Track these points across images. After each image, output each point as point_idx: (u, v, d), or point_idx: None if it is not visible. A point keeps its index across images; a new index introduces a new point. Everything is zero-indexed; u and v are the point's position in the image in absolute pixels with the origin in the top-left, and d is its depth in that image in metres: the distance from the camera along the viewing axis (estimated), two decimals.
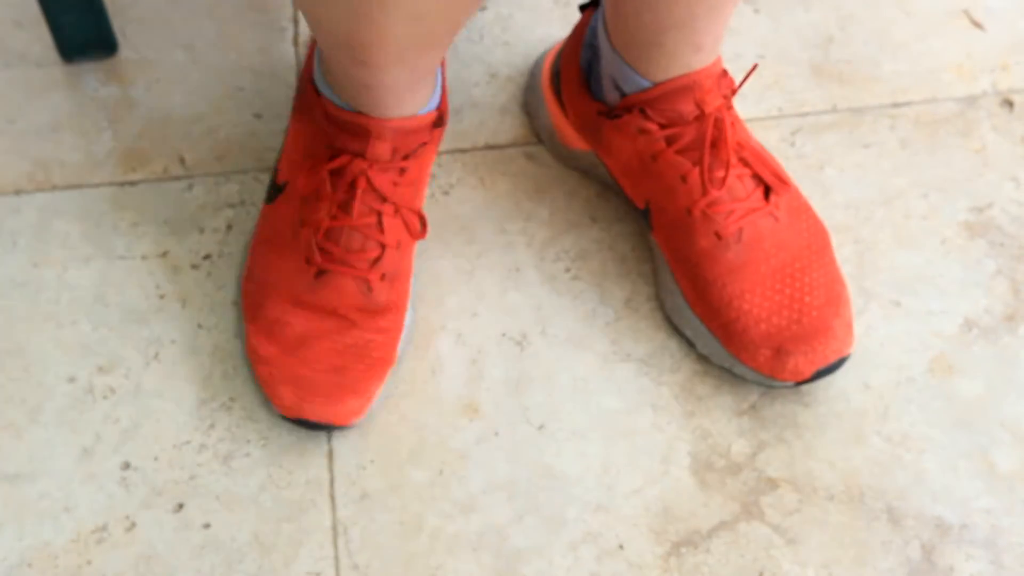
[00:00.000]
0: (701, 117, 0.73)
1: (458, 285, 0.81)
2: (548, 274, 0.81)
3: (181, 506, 0.73)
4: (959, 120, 0.87)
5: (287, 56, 0.90)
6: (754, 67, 0.74)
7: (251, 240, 0.78)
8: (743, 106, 0.88)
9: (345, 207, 0.72)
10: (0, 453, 0.75)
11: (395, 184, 0.72)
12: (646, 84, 0.74)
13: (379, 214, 0.73)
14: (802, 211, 0.77)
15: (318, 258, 0.73)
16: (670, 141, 0.74)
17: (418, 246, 0.81)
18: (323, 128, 0.72)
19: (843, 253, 0.81)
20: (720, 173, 0.74)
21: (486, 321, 0.79)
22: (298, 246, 0.74)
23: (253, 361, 0.74)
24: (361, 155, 0.71)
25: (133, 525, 0.73)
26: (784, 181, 0.75)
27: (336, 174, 0.72)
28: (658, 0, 0.68)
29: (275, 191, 0.77)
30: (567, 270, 0.81)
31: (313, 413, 0.72)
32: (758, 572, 0.72)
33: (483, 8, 0.93)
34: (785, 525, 0.73)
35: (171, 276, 0.81)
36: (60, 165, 0.86)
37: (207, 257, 0.82)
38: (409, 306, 0.77)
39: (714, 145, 0.73)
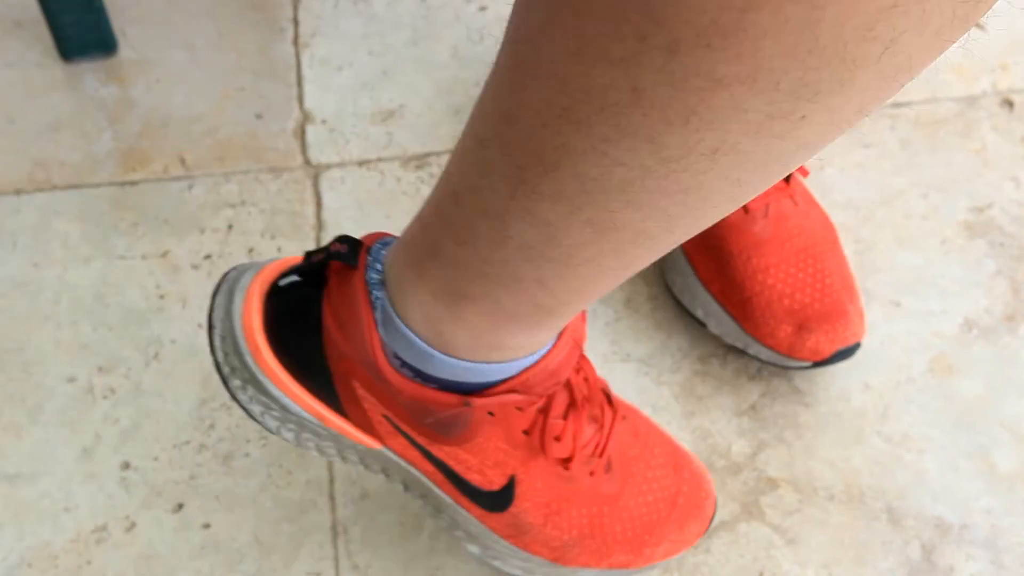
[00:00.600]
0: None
1: None
2: None
3: (181, 506, 0.74)
4: (959, 120, 0.87)
5: (287, 56, 0.90)
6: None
7: None
8: None
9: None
10: (0, 453, 0.75)
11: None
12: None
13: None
14: (812, 203, 0.78)
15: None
16: None
17: None
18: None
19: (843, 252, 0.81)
20: None
21: None
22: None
23: None
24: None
25: (133, 525, 0.73)
26: (800, 168, 0.75)
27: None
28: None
29: None
30: None
31: None
32: (758, 572, 0.72)
33: (483, 8, 0.93)
34: (785, 525, 0.73)
35: (171, 276, 0.81)
36: (60, 165, 0.86)
37: (207, 257, 0.82)
38: None
39: None
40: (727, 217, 0.62)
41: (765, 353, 0.75)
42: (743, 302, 0.75)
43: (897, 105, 0.88)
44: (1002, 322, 0.79)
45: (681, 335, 0.79)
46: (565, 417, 0.60)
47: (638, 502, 0.65)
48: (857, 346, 0.74)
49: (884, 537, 0.72)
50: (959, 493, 0.74)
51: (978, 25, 0.93)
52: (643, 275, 0.81)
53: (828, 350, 0.73)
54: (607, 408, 0.63)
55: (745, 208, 0.74)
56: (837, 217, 0.83)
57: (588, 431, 0.62)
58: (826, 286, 0.75)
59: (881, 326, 0.79)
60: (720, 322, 0.76)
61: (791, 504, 0.73)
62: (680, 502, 0.67)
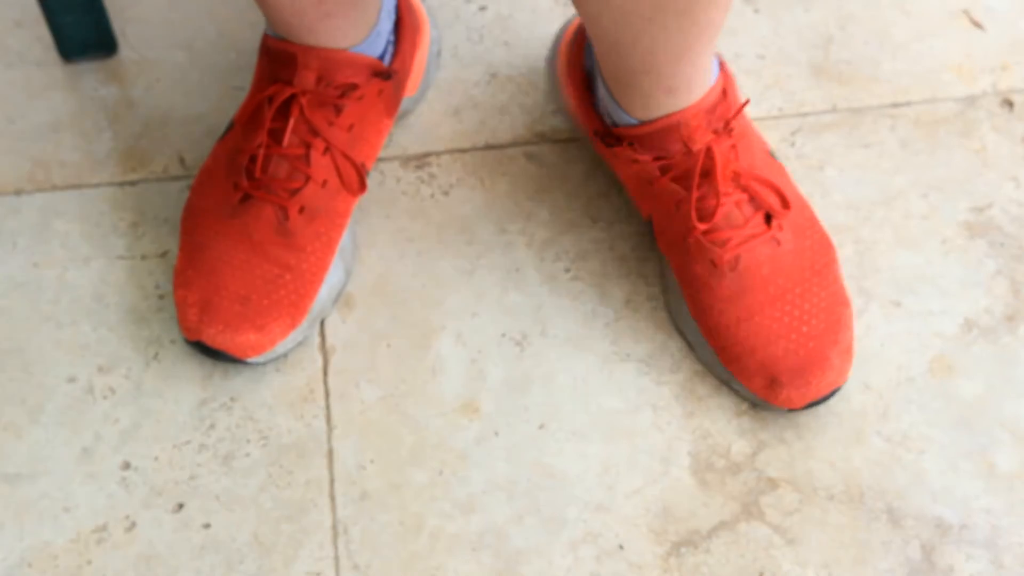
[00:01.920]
0: (688, 153, 0.73)
1: (458, 285, 0.81)
2: (548, 274, 0.81)
3: (181, 506, 0.73)
4: (959, 120, 0.87)
5: None
6: (746, 102, 0.74)
7: (196, 175, 0.81)
8: None
9: (277, 136, 0.74)
10: (0, 453, 0.75)
11: (330, 123, 0.74)
12: (632, 121, 0.74)
13: (308, 147, 0.74)
14: (807, 228, 0.76)
15: (244, 183, 0.75)
16: (663, 170, 0.74)
17: (418, 246, 0.81)
18: (266, 64, 0.75)
19: (843, 253, 0.81)
20: (712, 202, 0.73)
21: (486, 321, 0.79)
22: (231, 173, 0.76)
23: (174, 285, 0.76)
24: (289, 82, 0.74)
25: (133, 525, 0.73)
26: (786, 204, 0.75)
27: (270, 103, 0.74)
28: (620, 45, 0.68)
29: (228, 128, 0.79)
30: (567, 270, 0.81)
31: (210, 338, 0.73)
32: (758, 572, 0.71)
33: (483, 8, 0.93)
34: (785, 525, 0.73)
35: (171, 276, 0.81)
36: (60, 165, 0.86)
37: None
38: (340, 268, 0.78)
39: (706, 175, 0.73)
40: (696, 270, 0.74)
41: (744, 392, 0.75)
42: (720, 348, 0.75)
43: (897, 105, 0.88)
44: (1002, 322, 0.79)
45: (681, 335, 0.79)
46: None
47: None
48: (835, 391, 0.74)
49: (884, 537, 0.72)
50: (959, 493, 0.74)
51: (978, 25, 0.93)
52: (643, 275, 0.81)
53: (800, 402, 0.73)
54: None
55: (713, 263, 0.74)
56: (837, 217, 0.83)
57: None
58: (803, 335, 0.73)
59: (881, 326, 0.79)
60: (705, 354, 0.76)
61: (791, 504, 0.73)
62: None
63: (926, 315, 0.79)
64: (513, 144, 0.87)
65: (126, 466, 0.75)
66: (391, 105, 0.78)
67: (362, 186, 0.76)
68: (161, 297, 0.80)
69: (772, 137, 0.87)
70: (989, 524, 0.73)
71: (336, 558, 0.72)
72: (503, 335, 0.79)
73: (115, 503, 0.74)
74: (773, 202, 0.74)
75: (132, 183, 0.85)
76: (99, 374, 0.78)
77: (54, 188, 0.85)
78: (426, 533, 0.73)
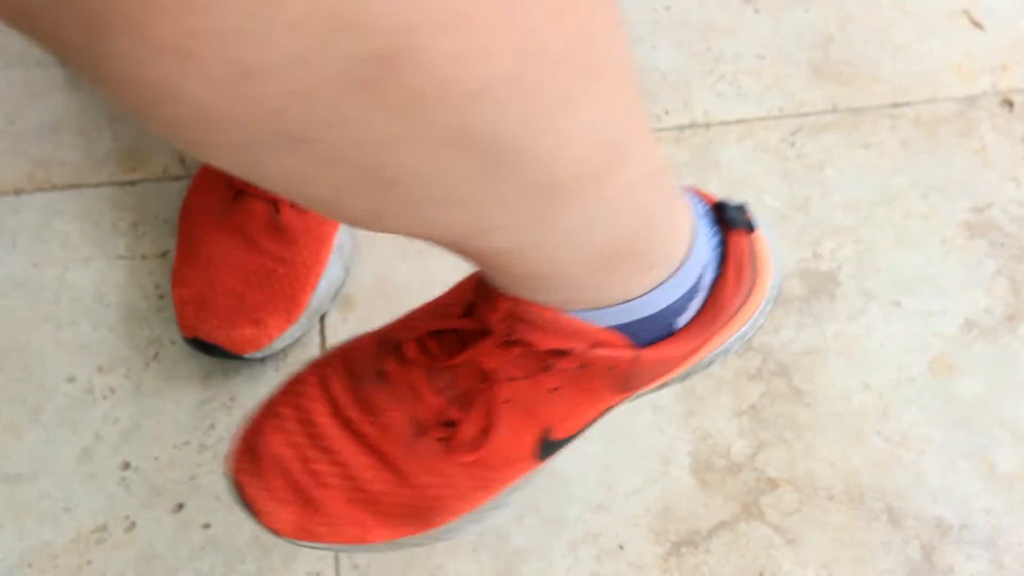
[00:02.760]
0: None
1: None
2: None
3: (181, 506, 0.73)
4: (959, 120, 0.87)
5: None
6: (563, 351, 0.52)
7: (194, 176, 0.81)
8: (743, 106, 0.88)
9: None
10: (0, 453, 0.75)
11: None
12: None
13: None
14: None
15: (236, 180, 0.75)
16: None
17: (418, 246, 0.81)
18: None
19: (843, 253, 0.81)
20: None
21: None
22: (225, 173, 0.75)
23: (172, 284, 0.76)
24: None
25: (133, 525, 0.73)
26: (485, 436, 0.53)
27: None
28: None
29: None
30: None
31: (206, 334, 0.74)
32: (758, 572, 0.72)
33: None
34: (785, 525, 0.73)
35: (171, 276, 0.81)
36: (60, 165, 0.86)
37: None
38: (339, 265, 0.78)
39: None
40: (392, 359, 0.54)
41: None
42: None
43: (897, 105, 0.88)
44: (1002, 322, 0.79)
45: None
46: None
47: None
48: (249, 509, 0.54)
49: (884, 537, 0.72)
50: (959, 493, 0.74)
51: (978, 25, 0.93)
52: None
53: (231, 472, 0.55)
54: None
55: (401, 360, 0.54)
56: (837, 217, 0.83)
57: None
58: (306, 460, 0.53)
59: (881, 326, 0.79)
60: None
61: (791, 504, 0.73)
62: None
63: (926, 315, 0.79)
64: None
65: (126, 466, 0.75)
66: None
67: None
68: (161, 297, 0.80)
69: (772, 137, 0.87)
70: (989, 524, 0.73)
71: (336, 558, 0.72)
72: None
73: (115, 503, 0.74)
74: (471, 424, 0.53)
75: (132, 183, 0.85)
76: (99, 374, 0.78)
77: (54, 188, 0.85)
78: None
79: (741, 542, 0.72)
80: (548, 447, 0.56)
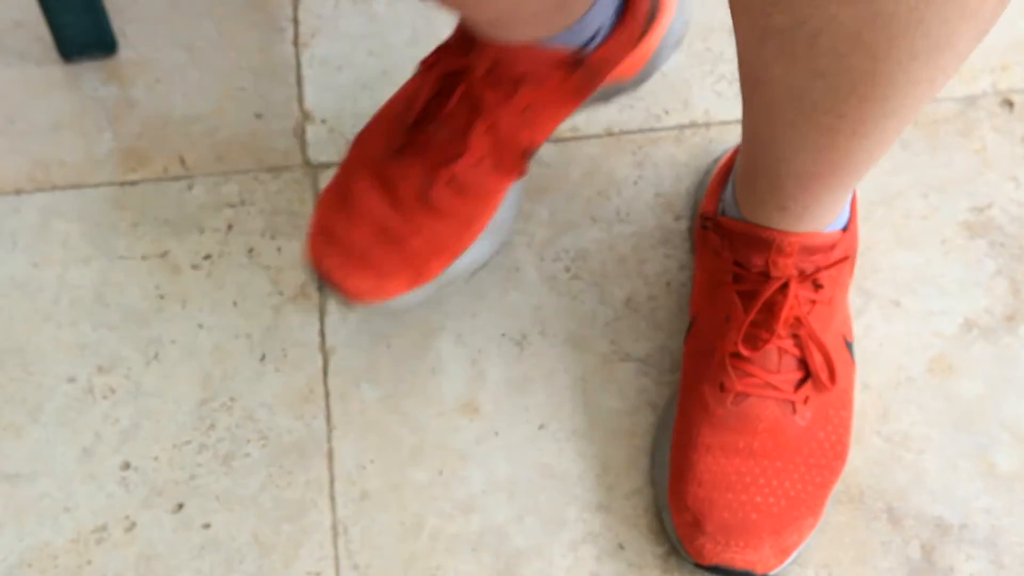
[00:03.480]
0: (767, 276, 0.68)
1: (458, 285, 0.81)
2: (548, 274, 0.81)
3: (181, 506, 0.73)
4: (959, 120, 0.87)
5: (287, 56, 0.90)
6: (843, 259, 0.69)
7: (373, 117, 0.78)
8: None
9: (442, 99, 0.72)
10: (0, 453, 0.75)
11: (500, 102, 0.70)
12: (737, 215, 0.70)
13: (472, 120, 0.70)
14: (833, 424, 0.71)
15: (400, 137, 0.72)
16: (736, 279, 0.69)
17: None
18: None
19: None
20: (763, 335, 0.68)
21: (486, 321, 0.79)
22: (400, 118, 0.73)
23: (314, 210, 0.74)
24: (463, 59, 0.70)
25: (133, 525, 0.73)
26: (828, 382, 0.70)
27: (446, 78, 0.72)
28: (757, 139, 0.63)
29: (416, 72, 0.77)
30: (567, 270, 0.81)
31: (327, 271, 0.71)
32: None
33: None
34: None
35: (171, 276, 0.81)
36: (60, 165, 0.86)
37: (207, 257, 0.82)
38: (487, 244, 0.75)
39: (770, 308, 0.68)
40: (703, 385, 0.70)
41: (668, 527, 0.71)
42: (675, 470, 0.71)
43: None
44: (1002, 322, 0.79)
45: (681, 335, 0.79)
46: None
47: None
48: (750, 574, 0.68)
49: (884, 537, 0.72)
50: (959, 493, 0.74)
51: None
52: (643, 275, 0.81)
53: (709, 560, 0.68)
54: None
55: (722, 386, 0.69)
56: None
57: None
58: (754, 504, 0.68)
59: (881, 326, 0.79)
60: (659, 473, 0.73)
61: None
62: None
63: (926, 315, 0.79)
64: None
65: (126, 466, 0.75)
66: (580, 91, 0.73)
67: (520, 171, 0.73)
68: (161, 297, 0.80)
69: None
70: (989, 524, 0.73)
71: (336, 558, 0.72)
72: (503, 335, 0.79)
73: (115, 503, 0.74)
74: (818, 370, 0.69)
75: (132, 183, 0.85)
76: (99, 374, 0.78)
77: (54, 188, 0.85)
78: (426, 533, 0.73)
79: None
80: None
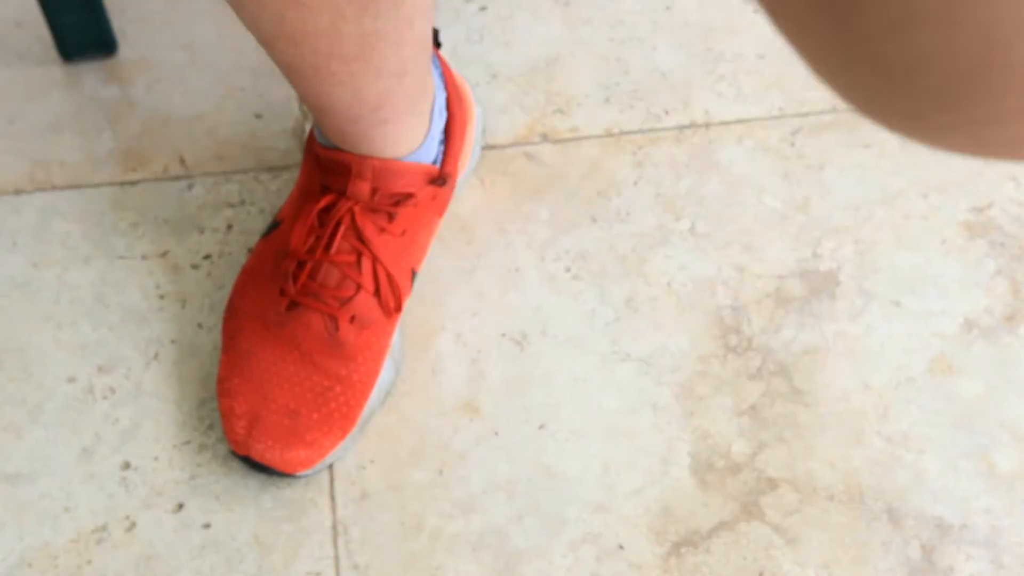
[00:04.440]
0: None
1: (458, 285, 0.81)
2: (548, 274, 0.81)
3: (181, 506, 0.74)
4: None
5: None
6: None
7: (239, 273, 0.78)
8: (743, 106, 0.88)
9: (326, 243, 0.72)
10: (0, 453, 0.75)
11: (381, 230, 0.72)
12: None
13: (359, 255, 0.72)
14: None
15: (291, 289, 0.72)
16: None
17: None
18: (315, 169, 0.73)
19: (843, 253, 0.81)
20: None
21: (486, 321, 0.79)
22: (277, 277, 0.74)
23: (219, 393, 0.74)
24: (342, 192, 0.71)
25: (133, 525, 0.73)
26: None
27: (324, 212, 0.72)
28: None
29: (272, 227, 0.77)
30: (567, 270, 0.81)
31: (258, 453, 0.71)
32: (758, 572, 0.72)
33: (483, 8, 0.93)
34: (785, 525, 0.73)
35: (171, 276, 0.81)
36: (60, 165, 0.86)
37: (207, 257, 0.82)
38: (391, 368, 0.76)
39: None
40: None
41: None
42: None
43: None
44: (1002, 322, 0.79)
45: (681, 335, 0.79)
46: None
47: None
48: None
49: (884, 537, 0.72)
50: (959, 493, 0.74)
51: None
52: (643, 275, 0.81)
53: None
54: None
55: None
56: (837, 217, 0.83)
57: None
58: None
59: (881, 326, 0.79)
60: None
61: (791, 504, 0.73)
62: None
63: (926, 315, 0.79)
64: (513, 144, 0.87)
65: (126, 466, 0.75)
66: (443, 206, 0.76)
67: (397, 308, 0.74)
68: (161, 297, 0.80)
69: (772, 137, 0.87)
70: (989, 524, 0.73)
71: (336, 558, 0.72)
72: (503, 335, 0.79)
73: (115, 503, 0.74)
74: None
75: (132, 183, 0.85)
76: (99, 374, 0.78)
77: (54, 188, 0.85)
78: (426, 533, 0.73)
79: (741, 542, 0.72)
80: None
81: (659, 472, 0.74)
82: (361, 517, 0.73)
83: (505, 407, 0.77)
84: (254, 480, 0.74)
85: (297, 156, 0.86)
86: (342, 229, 0.72)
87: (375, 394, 0.74)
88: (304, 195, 0.75)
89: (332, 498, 0.74)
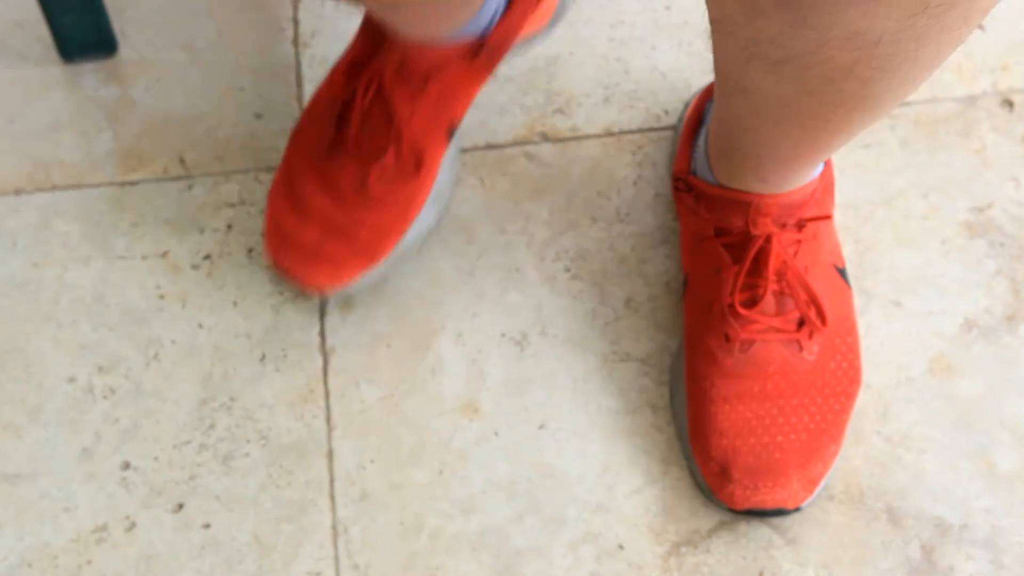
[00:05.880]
0: (748, 233, 0.71)
1: (458, 285, 0.81)
2: (548, 274, 0.81)
3: (181, 506, 0.74)
4: (959, 120, 0.87)
5: (287, 56, 0.90)
6: (827, 216, 0.73)
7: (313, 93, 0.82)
8: None
9: (349, 104, 0.76)
10: (0, 453, 0.75)
11: (413, 97, 0.75)
12: (711, 179, 0.72)
13: (391, 116, 0.75)
14: (842, 353, 0.73)
15: (332, 132, 0.76)
16: (718, 232, 0.72)
17: (418, 247, 0.81)
18: (363, 40, 0.77)
19: (843, 253, 0.81)
20: (757, 286, 0.71)
21: (486, 321, 0.79)
22: (326, 116, 0.77)
23: (269, 196, 0.79)
24: (373, 65, 0.75)
25: (133, 525, 0.73)
26: (823, 319, 0.71)
27: (354, 67, 0.76)
28: (736, 126, 0.65)
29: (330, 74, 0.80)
30: (567, 270, 0.81)
31: (285, 269, 0.76)
32: (758, 572, 0.72)
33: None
34: (785, 525, 0.73)
35: (171, 276, 0.81)
36: (60, 165, 0.86)
37: (207, 257, 0.82)
38: (432, 212, 0.79)
39: (757, 260, 0.71)
40: (708, 339, 0.72)
41: (696, 474, 0.73)
42: (692, 420, 0.73)
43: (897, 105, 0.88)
44: (1002, 322, 0.79)
45: (681, 335, 0.79)
46: None
47: None
48: (781, 511, 0.71)
49: (884, 537, 0.72)
50: (959, 493, 0.74)
51: (979, 26, 0.92)
52: (643, 275, 0.81)
53: (741, 504, 0.70)
54: None
55: (727, 336, 0.71)
56: (837, 217, 0.83)
57: None
58: (775, 443, 0.70)
59: (881, 326, 0.79)
60: (680, 423, 0.75)
61: None
62: None
63: (926, 315, 0.79)
64: (513, 144, 0.86)
65: (126, 466, 0.75)
66: (486, 67, 0.78)
67: (448, 142, 0.78)
68: (161, 297, 0.80)
69: None
70: (989, 524, 0.73)
71: (336, 558, 0.72)
72: (503, 335, 0.79)
73: (115, 503, 0.74)
74: (808, 312, 0.71)
75: (132, 183, 0.85)
76: (99, 374, 0.78)
77: (54, 188, 0.85)
78: (426, 533, 0.73)
79: (741, 542, 0.72)
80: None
81: (659, 472, 0.74)
82: (361, 517, 0.73)
83: (505, 407, 0.77)
84: (254, 480, 0.74)
85: None
86: (370, 95, 0.75)
87: (411, 235, 0.78)
88: (351, 53, 0.78)
89: (332, 498, 0.74)
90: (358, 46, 0.77)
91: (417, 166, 0.77)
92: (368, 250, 0.76)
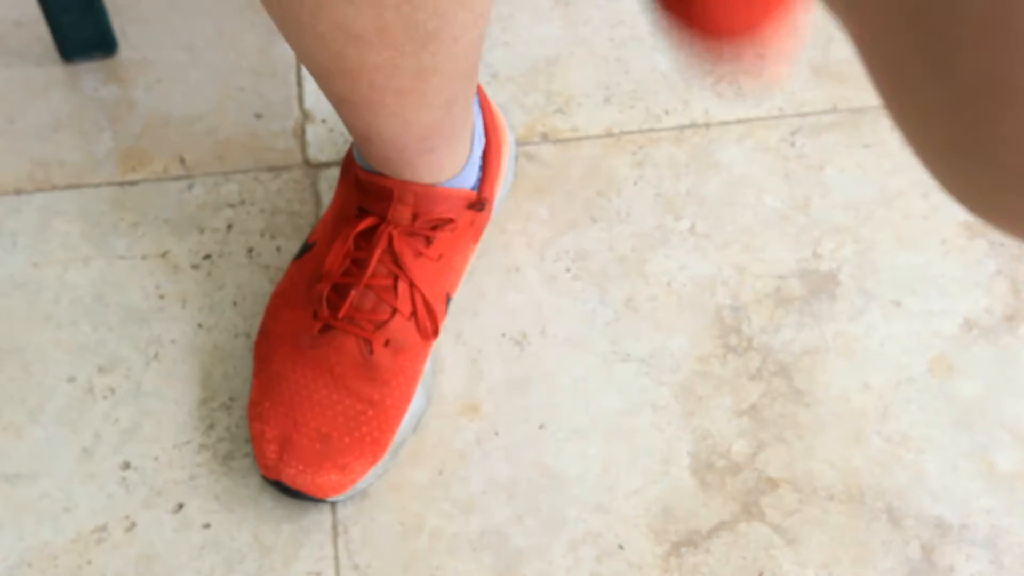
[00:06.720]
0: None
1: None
2: (548, 274, 0.81)
3: (181, 506, 0.74)
4: None
5: (287, 56, 0.90)
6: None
7: (271, 296, 0.77)
8: (743, 106, 0.88)
9: (361, 265, 0.72)
10: (0, 453, 0.75)
11: (418, 254, 0.72)
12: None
13: (396, 278, 0.72)
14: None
15: (325, 312, 0.72)
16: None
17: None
18: (354, 192, 0.73)
19: (843, 253, 0.81)
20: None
21: (486, 321, 0.79)
22: (310, 300, 0.73)
23: (250, 417, 0.73)
24: (383, 217, 0.71)
25: (133, 525, 0.73)
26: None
27: (362, 236, 0.72)
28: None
29: (304, 249, 0.77)
30: (567, 270, 0.81)
31: (289, 478, 0.70)
32: (758, 572, 0.72)
33: None
34: (785, 525, 0.73)
35: (171, 276, 0.81)
36: (60, 165, 0.86)
37: (207, 257, 0.82)
38: (422, 395, 0.75)
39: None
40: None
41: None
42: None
43: None
44: (1002, 322, 0.79)
45: (681, 335, 0.79)
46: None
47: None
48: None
49: (884, 537, 0.72)
50: (959, 493, 0.74)
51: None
52: (643, 275, 0.81)
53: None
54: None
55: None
56: (837, 217, 0.83)
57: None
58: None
59: (881, 326, 0.79)
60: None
61: (791, 504, 0.73)
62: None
63: (926, 315, 0.79)
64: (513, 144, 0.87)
65: (126, 466, 0.75)
66: (480, 230, 0.76)
67: (434, 333, 0.74)
68: (161, 297, 0.80)
69: (772, 137, 0.87)
70: (989, 524, 0.73)
71: (336, 558, 0.72)
72: (503, 335, 0.79)
73: (115, 503, 0.74)
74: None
75: (132, 183, 0.85)
76: (99, 374, 0.78)
77: (54, 188, 0.85)
78: (426, 533, 0.73)
79: (741, 542, 0.72)
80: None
81: (659, 472, 0.74)
82: (361, 517, 0.73)
83: (505, 407, 0.77)
84: (254, 480, 0.74)
85: (297, 156, 0.86)
86: (378, 252, 0.71)
87: (407, 420, 0.73)
88: (340, 218, 0.74)
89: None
90: (349, 207, 0.73)
91: (433, 327, 0.74)
92: (372, 442, 0.72)
